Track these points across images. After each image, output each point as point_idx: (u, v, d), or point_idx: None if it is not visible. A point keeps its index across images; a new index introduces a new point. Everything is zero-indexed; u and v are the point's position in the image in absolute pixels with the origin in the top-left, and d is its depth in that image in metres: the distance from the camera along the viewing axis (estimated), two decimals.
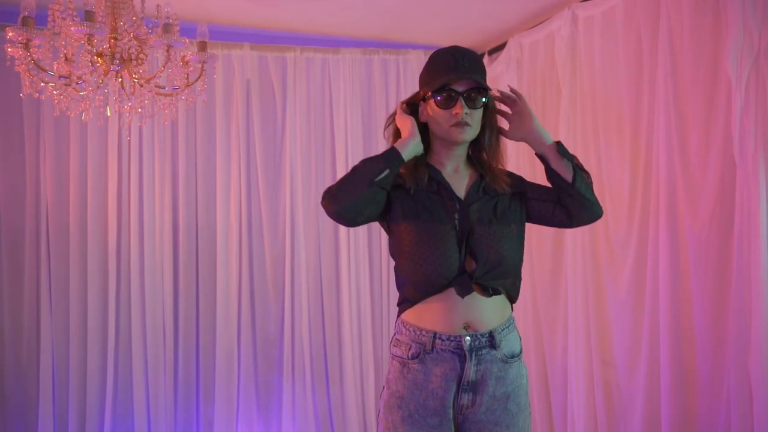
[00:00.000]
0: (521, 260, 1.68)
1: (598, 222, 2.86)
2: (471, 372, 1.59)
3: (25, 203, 3.21)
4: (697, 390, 2.41)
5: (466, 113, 1.60)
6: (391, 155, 1.60)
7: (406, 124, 1.66)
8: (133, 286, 3.34)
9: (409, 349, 1.62)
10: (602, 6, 2.87)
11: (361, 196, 1.56)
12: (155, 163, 3.41)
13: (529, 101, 3.38)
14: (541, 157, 1.70)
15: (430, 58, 1.68)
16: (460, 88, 1.60)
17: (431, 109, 1.64)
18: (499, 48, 3.66)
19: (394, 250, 1.68)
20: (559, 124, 3.15)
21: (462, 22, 3.52)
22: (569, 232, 3.07)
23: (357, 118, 3.73)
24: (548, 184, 1.72)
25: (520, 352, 1.69)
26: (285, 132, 3.63)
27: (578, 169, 1.67)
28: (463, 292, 1.57)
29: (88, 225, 3.30)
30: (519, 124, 1.72)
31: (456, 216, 1.62)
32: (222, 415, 3.45)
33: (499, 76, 3.65)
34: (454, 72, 1.60)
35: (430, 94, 1.63)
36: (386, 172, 1.57)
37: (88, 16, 2.14)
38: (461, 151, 1.70)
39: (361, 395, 3.66)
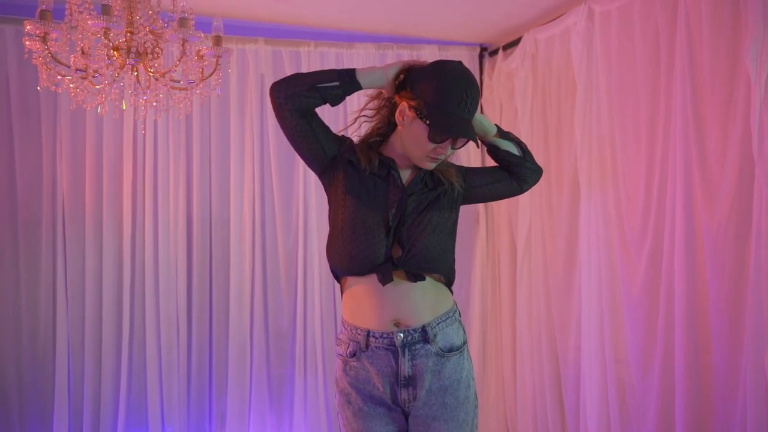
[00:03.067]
0: (450, 248, 1.71)
1: (613, 219, 2.89)
2: (406, 367, 1.62)
3: (42, 196, 3.24)
4: (713, 389, 2.38)
5: (444, 155, 1.64)
6: (347, 71, 1.64)
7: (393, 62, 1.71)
8: (147, 280, 3.36)
9: (348, 347, 1.67)
10: (619, 1, 2.84)
11: (300, 91, 1.60)
12: (170, 157, 3.42)
13: (543, 97, 3.41)
14: (490, 144, 1.79)
15: (444, 72, 1.59)
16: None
17: (417, 127, 1.60)
18: (514, 43, 3.63)
19: (330, 218, 1.72)
20: (574, 121, 3.12)
21: (476, 18, 3.51)
22: (583, 231, 3.06)
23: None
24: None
25: (462, 345, 1.69)
26: None
27: (520, 142, 1.80)
28: (384, 280, 1.60)
29: (103, 218, 3.32)
30: None
31: (395, 205, 1.64)
32: (234, 407, 3.47)
33: (513, 72, 3.63)
34: (459, 119, 1.57)
35: (426, 117, 1.57)
36: (334, 83, 1.61)
37: (105, 10, 2.16)
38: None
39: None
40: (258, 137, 3.58)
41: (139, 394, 3.37)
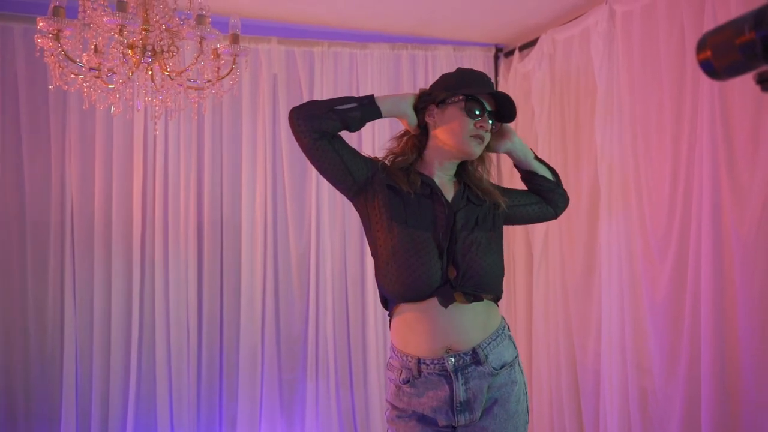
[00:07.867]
0: (502, 268, 1.70)
1: (635, 224, 2.82)
2: (461, 392, 1.60)
3: (51, 197, 3.19)
4: (741, 398, 2.32)
5: (487, 130, 1.65)
6: (365, 97, 1.64)
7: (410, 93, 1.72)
8: (157, 282, 3.31)
9: (401, 374, 1.66)
10: (642, 0, 2.78)
11: (318, 113, 1.59)
12: (180, 158, 3.37)
13: (561, 99, 3.35)
14: (526, 170, 1.79)
15: (458, 71, 1.71)
16: (489, 107, 1.64)
17: (450, 111, 1.63)
18: (531, 44, 3.57)
19: (376, 251, 1.67)
20: (594, 123, 3.06)
21: (493, 18, 3.45)
22: (603, 232, 3.00)
23: None
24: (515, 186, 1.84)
25: (513, 359, 1.66)
26: None
27: (552, 168, 1.82)
28: (446, 302, 1.58)
29: (112, 219, 3.27)
30: (501, 137, 1.75)
31: (444, 223, 1.62)
32: (245, 412, 3.41)
33: (530, 73, 3.57)
34: (490, 89, 1.65)
35: (458, 98, 1.62)
36: (351, 105, 1.61)
37: (120, 6, 2.10)
38: (452, 167, 1.71)
39: (385, 396, 3.60)
40: (270, 138, 3.52)
41: (148, 398, 3.31)
